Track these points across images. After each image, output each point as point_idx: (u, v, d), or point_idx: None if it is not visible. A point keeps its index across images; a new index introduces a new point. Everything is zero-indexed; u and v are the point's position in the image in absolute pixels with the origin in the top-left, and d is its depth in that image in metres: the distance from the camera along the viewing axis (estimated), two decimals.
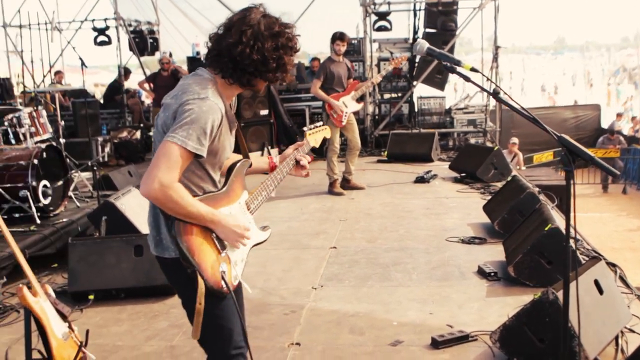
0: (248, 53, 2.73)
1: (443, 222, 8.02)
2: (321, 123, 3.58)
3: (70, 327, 4.36)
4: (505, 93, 2.66)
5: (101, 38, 16.48)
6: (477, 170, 10.10)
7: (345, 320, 5.14)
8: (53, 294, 4.36)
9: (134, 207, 6.78)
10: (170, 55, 15.92)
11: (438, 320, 5.04)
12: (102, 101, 16.89)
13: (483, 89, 2.91)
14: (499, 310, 5.12)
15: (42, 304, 4.17)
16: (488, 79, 2.90)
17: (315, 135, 3.43)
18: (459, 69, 2.79)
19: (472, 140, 14.30)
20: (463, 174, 10.56)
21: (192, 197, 2.71)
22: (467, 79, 2.81)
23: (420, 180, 10.54)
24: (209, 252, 2.77)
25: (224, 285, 2.80)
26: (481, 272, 6.01)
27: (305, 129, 3.43)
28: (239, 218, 2.91)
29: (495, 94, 2.65)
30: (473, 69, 2.76)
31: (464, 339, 4.61)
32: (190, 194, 2.74)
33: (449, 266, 6.33)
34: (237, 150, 3.09)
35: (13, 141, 7.76)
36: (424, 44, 2.89)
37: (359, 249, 7.02)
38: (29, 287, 4.19)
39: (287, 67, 2.87)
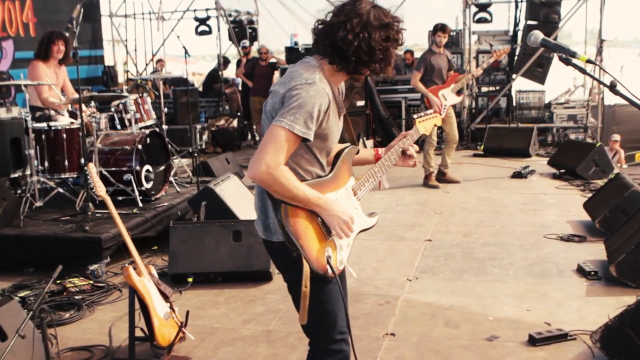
0: (352, 40, 2.75)
1: (541, 218, 7.85)
2: (432, 110, 3.52)
3: (171, 307, 4.49)
4: (623, 86, 2.57)
5: (202, 28, 16.84)
6: (577, 166, 9.84)
7: (440, 313, 5.10)
8: (156, 275, 4.51)
9: (232, 193, 6.90)
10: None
11: (535, 317, 4.94)
12: (200, 89, 17.25)
13: (601, 82, 2.82)
14: (599, 310, 4.98)
15: (146, 283, 4.32)
16: (605, 72, 2.81)
17: (425, 122, 3.37)
18: (574, 60, 2.71)
19: (572, 136, 13.92)
20: (562, 171, 10.27)
21: (298, 180, 2.74)
22: (583, 71, 2.73)
23: (518, 175, 10.35)
24: (314, 236, 2.79)
25: (330, 270, 2.81)
26: (581, 271, 5.85)
27: (415, 116, 3.39)
28: (345, 204, 2.93)
29: (612, 87, 2.58)
30: (589, 61, 2.68)
31: (562, 337, 4.51)
32: (299, 178, 2.78)
33: (547, 263, 6.20)
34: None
35: (119, 126, 8.01)
36: (538, 35, 2.83)
37: (455, 242, 6.95)
38: (134, 267, 4.34)
39: (391, 60, 2.89)
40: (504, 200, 8.87)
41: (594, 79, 2.80)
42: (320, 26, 2.87)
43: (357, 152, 3.15)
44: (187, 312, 4.51)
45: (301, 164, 2.87)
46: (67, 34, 7.95)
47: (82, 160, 7.00)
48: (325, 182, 2.90)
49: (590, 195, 8.25)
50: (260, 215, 2.99)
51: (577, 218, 7.63)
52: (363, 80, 12.07)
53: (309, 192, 2.76)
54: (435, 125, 3.47)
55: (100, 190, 4.53)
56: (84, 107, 7.21)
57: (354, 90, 11.96)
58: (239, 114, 15.94)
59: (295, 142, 2.71)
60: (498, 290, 5.55)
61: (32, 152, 7.05)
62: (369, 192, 3.12)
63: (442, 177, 10.03)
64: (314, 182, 2.85)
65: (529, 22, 13.98)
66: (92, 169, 4.62)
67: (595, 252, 6.34)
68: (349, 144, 3.11)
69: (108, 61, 16.33)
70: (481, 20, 14.37)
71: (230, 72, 17.94)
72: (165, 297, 4.47)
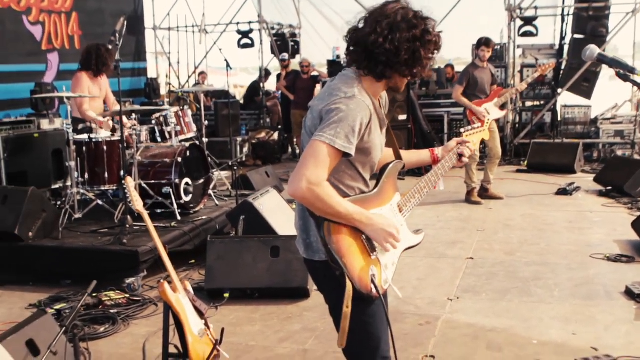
0: (381, 42, 2.65)
1: (587, 237, 7.64)
2: (479, 124, 3.40)
3: (206, 324, 4.41)
4: None
5: (244, 41, 16.91)
6: (624, 184, 9.57)
7: (482, 335, 4.94)
8: (192, 291, 4.43)
9: (272, 208, 6.83)
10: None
11: (582, 341, 4.75)
12: (242, 102, 17.30)
13: None
14: None
15: (182, 300, 4.24)
16: None
17: (472, 136, 3.27)
18: (633, 76, 2.58)
19: (619, 153, 13.59)
20: (609, 188, 10.01)
21: (339, 197, 2.65)
22: None
23: (563, 192, 10.12)
24: (358, 254, 2.69)
25: (374, 289, 2.70)
26: (629, 293, 5.63)
27: (462, 130, 3.29)
28: (389, 218, 2.82)
29: None
30: None
31: None
32: (341, 194, 2.68)
33: (594, 284, 5.99)
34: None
35: (159, 139, 8.00)
36: (594, 50, 2.71)
37: (497, 261, 6.78)
38: (169, 282, 4.27)
39: (424, 61, 2.74)
40: (549, 217, 8.66)
41: None
42: (351, 34, 2.79)
43: (403, 167, 3.04)
44: (222, 330, 4.43)
45: (344, 180, 2.78)
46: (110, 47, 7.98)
47: (122, 173, 6.99)
48: (370, 198, 2.80)
49: (638, 213, 8.02)
50: (301, 234, 2.89)
51: (624, 237, 7.39)
52: (405, 93, 11.95)
53: (351, 208, 2.65)
54: (482, 139, 3.36)
55: (138, 204, 4.47)
56: (125, 119, 7.21)
57: (396, 104, 11.84)
58: (279, 126, 15.93)
59: (337, 157, 2.62)
60: (543, 312, 5.37)
61: (72, 163, 7.07)
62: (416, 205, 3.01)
63: (484, 193, 9.84)
64: (358, 198, 2.75)
65: (576, 35, 13.75)
66: (130, 183, 4.57)
67: None
68: (394, 158, 3.01)
69: (151, 73, 16.46)
70: (526, 34, 14.14)
71: (271, 85, 17.95)
72: (201, 314, 4.38)
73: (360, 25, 2.76)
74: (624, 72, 2.64)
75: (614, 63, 2.68)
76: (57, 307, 5.47)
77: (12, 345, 3.74)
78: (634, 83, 2.63)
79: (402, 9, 2.70)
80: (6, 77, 10.56)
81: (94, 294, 5.61)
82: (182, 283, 4.38)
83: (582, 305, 5.49)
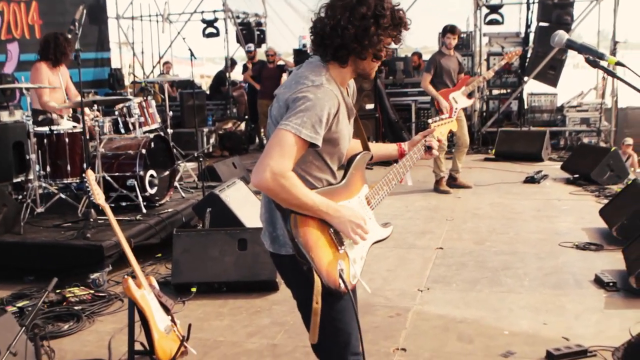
0: (327, 23, 2.62)
1: (555, 225, 7.64)
2: (447, 115, 3.35)
3: (172, 320, 4.32)
4: None
5: (209, 30, 16.75)
6: (591, 171, 9.61)
7: (453, 326, 4.90)
8: (157, 286, 4.34)
9: (239, 199, 6.73)
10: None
11: (553, 331, 4.73)
12: (207, 92, 17.12)
13: (635, 88, 2.59)
14: (619, 324, 4.77)
15: (147, 296, 4.15)
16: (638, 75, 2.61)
17: (440, 127, 3.23)
18: (602, 63, 2.52)
19: (585, 140, 13.69)
20: (576, 176, 10.07)
21: (306, 187, 2.57)
22: (611, 74, 2.55)
23: (530, 180, 10.14)
24: (326, 248, 2.61)
25: (342, 284, 2.62)
26: (598, 281, 5.63)
27: (430, 120, 3.24)
28: (357, 210, 2.75)
29: None
30: (619, 63, 2.50)
31: (582, 354, 4.29)
32: (309, 186, 2.61)
33: (563, 273, 5.99)
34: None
35: (122, 131, 7.83)
36: (563, 35, 2.65)
37: (467, 250, 6.75)
38: (134, 278, 4.16)
39: (378, 38, 2.62)
40: (517, 206, 8.67)
41: (626, 83, 2.59)
42: (313, 24, 2.74)
43: (371, 159, 2.97)
44: (189, 326, 4.34)
45: (311, 171, 2.70)
46: (69, 36, 7.79)
47: (85, 165, 6.83)
48: (337, 190, 2.72)
49: (605, 201, 8.05)
50: (267, 227, 2.81)
51: (592, 225, 7.41)
52: (372, 82, 11.90)
53: (318, 199, 2.58)
54: (450, 130, 3.32)
55: (99, 198, 4.36)
56: (87, 110, 7.04)
57: (363, 93, 11.79)
58: (246, 117, 15.79)
59: (303, 147, 2.53)
60: (513, 302, 5.34)
61: (33, 156, 6.88)
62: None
63: (453, 182, 9.83)
64: (325, 190, 2.67)
65: (541, 23, 13.78)
66: (91, 176, 4.44)
67: (613, 261, 6.13)
68: (362, 149, 2.93)
69: (115, 64, 16.19)
70: (492, 22, 14.19)
71: (237, 74, 17.78)
72: (167, 310, 4.29)
73: (322, 14, 2.70)
74: (593, 58, 2.58)
75: (582, 49, 2.62)
76: (20, 304, 5.32)
77: None
78: (603, 69, 2.58)
79: None
80: None
81: (58, 290, 5.47)
82: (147, 278, 4.29)
83: (552, 294, 5.48)
